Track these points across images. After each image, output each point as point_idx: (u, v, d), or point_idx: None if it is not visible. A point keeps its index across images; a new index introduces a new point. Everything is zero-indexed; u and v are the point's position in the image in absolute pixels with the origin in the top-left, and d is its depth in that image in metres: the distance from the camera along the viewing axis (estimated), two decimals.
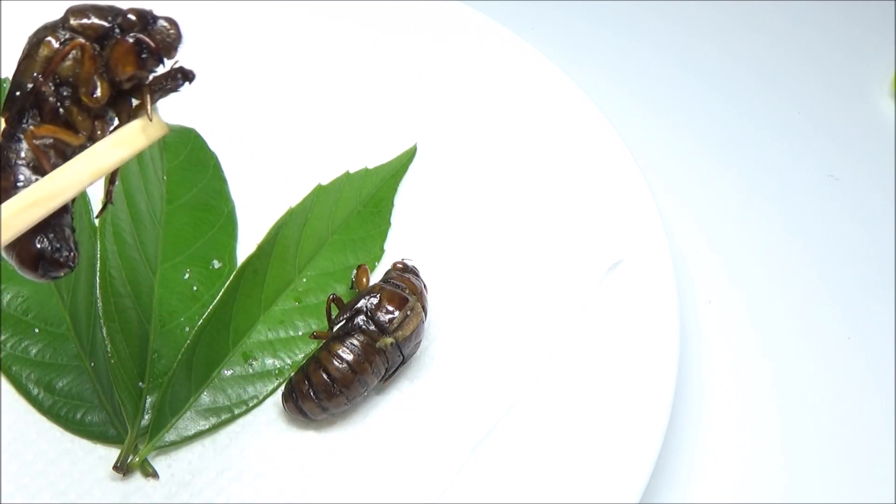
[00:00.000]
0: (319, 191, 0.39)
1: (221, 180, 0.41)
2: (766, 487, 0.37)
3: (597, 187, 0.40)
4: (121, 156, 0.25)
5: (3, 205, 0.23)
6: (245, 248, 0.38)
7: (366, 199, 0.41)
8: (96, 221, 0.36)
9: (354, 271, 0.38)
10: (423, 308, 0.36)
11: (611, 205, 0.40)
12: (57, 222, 0.24)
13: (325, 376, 0.34)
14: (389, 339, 0.35)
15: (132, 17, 0.25)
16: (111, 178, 0.27)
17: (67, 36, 0.25)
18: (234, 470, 0.34)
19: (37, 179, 0.24)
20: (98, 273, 0.35)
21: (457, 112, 0.44)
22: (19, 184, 0.24)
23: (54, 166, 0.24)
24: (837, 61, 0.53)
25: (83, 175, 0.24)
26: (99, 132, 0.25)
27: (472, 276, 0.39)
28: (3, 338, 0.35)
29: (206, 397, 0.35)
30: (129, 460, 0.33)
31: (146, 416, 0.34)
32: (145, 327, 0.36)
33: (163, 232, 0.38)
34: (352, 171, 0.40)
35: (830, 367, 0.41)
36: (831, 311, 0.43)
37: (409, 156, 0.43)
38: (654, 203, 0.39)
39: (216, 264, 0.38)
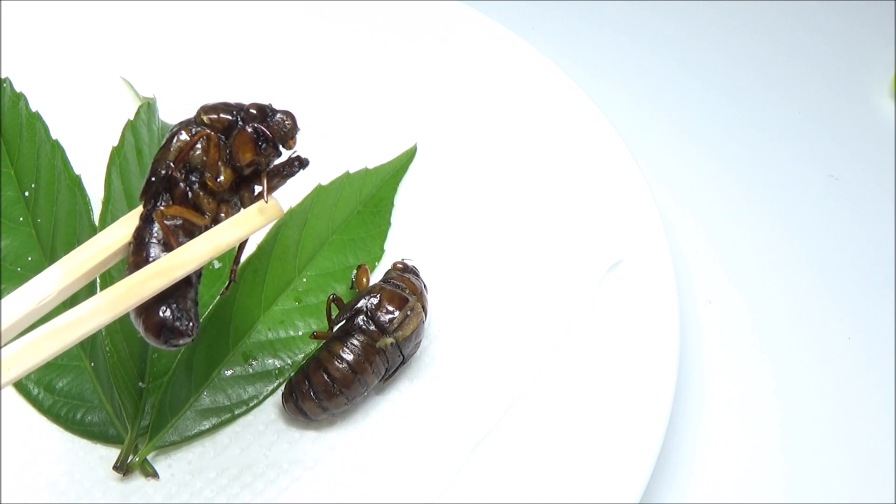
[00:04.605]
0: (319, 191, 0.39)
1: None
2: (766, 487, 0.37)
3: (597, 187, 0.40)
4: (238, 234, 0.27)
5: (131, 276, 0.25)
6: (245, 248, 0.38)
7: (366, 199, 0.41)
8: (96, 221, 0.36)
9: (354, 271, 0.38)
10: (423, 308, 0.36)
11: (611, 205, 0.40)
12: (181, 294, 0.26)
13: (325, 376, 0.34)
14: (389, 339, 0.35)
15: (253, 110, 0.27)
16: (236, 259, 0.30)
17: (197, 129, 0.27)
18: (234, 470, 0.34)
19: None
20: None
21: (457, 112, 0.44)
22: (150, 258, 0.26)
23: (181, 244, 0.26)
24: (837, 61, 0.53)
25: (203, 251, 0.26)
26: (223, 215, 0.27)
27: (472, 276, 0.39)
28: None
29: (206, 397, 0.35)
30: (129, 460, 0.33)
31: (146, 416, 0.34)
32: None
33: None
34: (352, 171, 0.40)
35: (830, 367, 0.41)
36: (831, 311, 0.43)
37: (409, 156, 0.43)
38: (654, 203, 0.39)
39: (216, 264, 0.38)
